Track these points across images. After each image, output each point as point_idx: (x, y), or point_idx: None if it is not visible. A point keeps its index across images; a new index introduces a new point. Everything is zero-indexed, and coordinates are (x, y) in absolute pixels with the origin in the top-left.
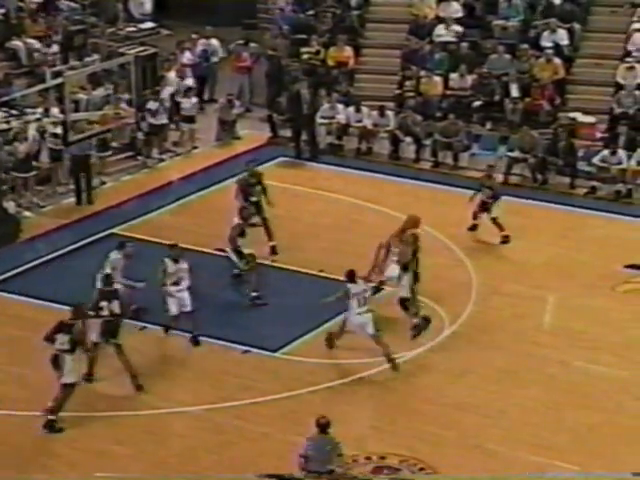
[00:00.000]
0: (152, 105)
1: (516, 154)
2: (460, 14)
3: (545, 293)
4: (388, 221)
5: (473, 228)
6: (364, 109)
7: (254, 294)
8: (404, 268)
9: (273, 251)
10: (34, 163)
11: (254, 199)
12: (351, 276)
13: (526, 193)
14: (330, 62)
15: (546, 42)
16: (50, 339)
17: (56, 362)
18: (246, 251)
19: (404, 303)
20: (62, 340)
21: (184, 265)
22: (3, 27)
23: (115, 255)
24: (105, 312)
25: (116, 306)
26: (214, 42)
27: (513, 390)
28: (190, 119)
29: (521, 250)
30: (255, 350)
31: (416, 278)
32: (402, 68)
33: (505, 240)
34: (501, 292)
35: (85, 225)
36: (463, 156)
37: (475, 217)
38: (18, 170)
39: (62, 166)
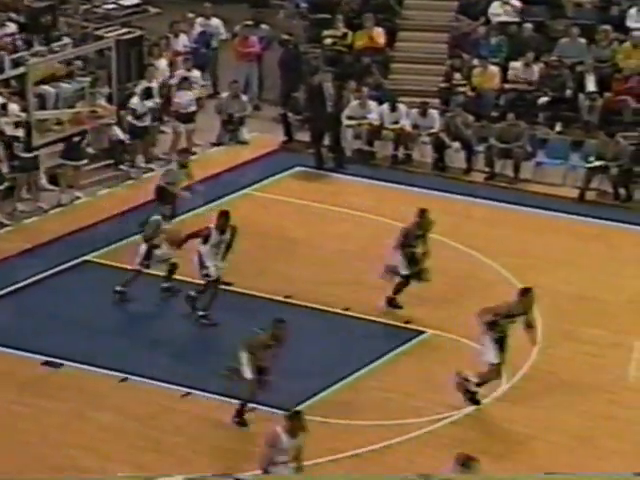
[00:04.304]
0: (137, 101)
1: (593, 164)
2: None
3: (630, 339)
4: (431, 247)
5: None
6: (401, 107)
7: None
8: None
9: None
10: None
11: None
12: None
13: (606, 212)
14: (359, 48)
15: (633, 22)
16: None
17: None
18: None
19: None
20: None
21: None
22: None
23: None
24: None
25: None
26: (215, 23)
27: (589, 461)
28: (185, 118)
29: (600, 285)
30: (263, 408)
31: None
32: (449, 56)
33: None
34: (574, 337)
35: (53, 250)
36: (526, 166)
37: None
38: None
39: (26, 177)
